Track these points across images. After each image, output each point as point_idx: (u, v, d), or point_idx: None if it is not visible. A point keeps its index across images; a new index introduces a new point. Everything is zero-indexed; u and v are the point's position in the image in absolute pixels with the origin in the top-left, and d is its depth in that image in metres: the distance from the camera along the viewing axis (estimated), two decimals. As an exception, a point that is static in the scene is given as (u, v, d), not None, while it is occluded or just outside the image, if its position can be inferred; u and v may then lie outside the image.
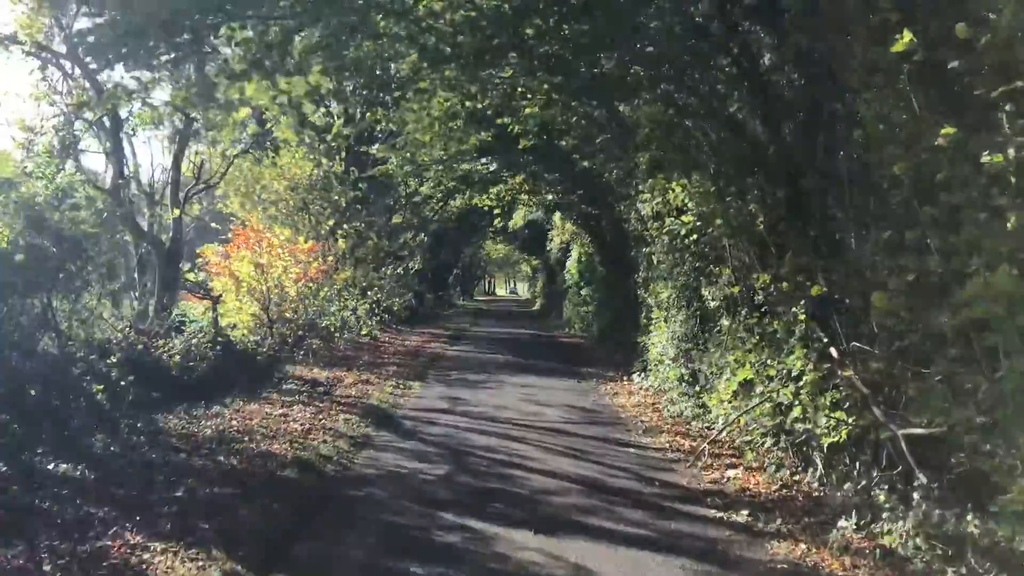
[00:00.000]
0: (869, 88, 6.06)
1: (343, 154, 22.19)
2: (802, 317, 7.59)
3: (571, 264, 31.99)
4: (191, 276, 16.03)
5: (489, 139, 19.15)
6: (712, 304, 10.71)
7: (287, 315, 17.67)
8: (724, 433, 9.12)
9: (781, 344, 8.38)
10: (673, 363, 12.85)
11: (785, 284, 7.81)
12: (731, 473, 7.67)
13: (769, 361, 8.45)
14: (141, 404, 9.41)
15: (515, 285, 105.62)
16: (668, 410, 11.03)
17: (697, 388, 11.87)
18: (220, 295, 14.11)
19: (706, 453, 8.15)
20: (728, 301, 10.20)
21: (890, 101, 5.75)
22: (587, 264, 28.08)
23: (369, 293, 22.65)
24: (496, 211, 32.27)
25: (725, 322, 10.26)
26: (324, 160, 19.68)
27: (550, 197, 28.45)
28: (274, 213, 19.89)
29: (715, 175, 9.90)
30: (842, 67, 6.98)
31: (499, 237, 53.95)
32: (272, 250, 16.59)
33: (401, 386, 13.09)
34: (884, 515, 5.80)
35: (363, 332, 21.03)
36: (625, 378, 14.93)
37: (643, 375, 14.40)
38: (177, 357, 11.18)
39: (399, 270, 31.00)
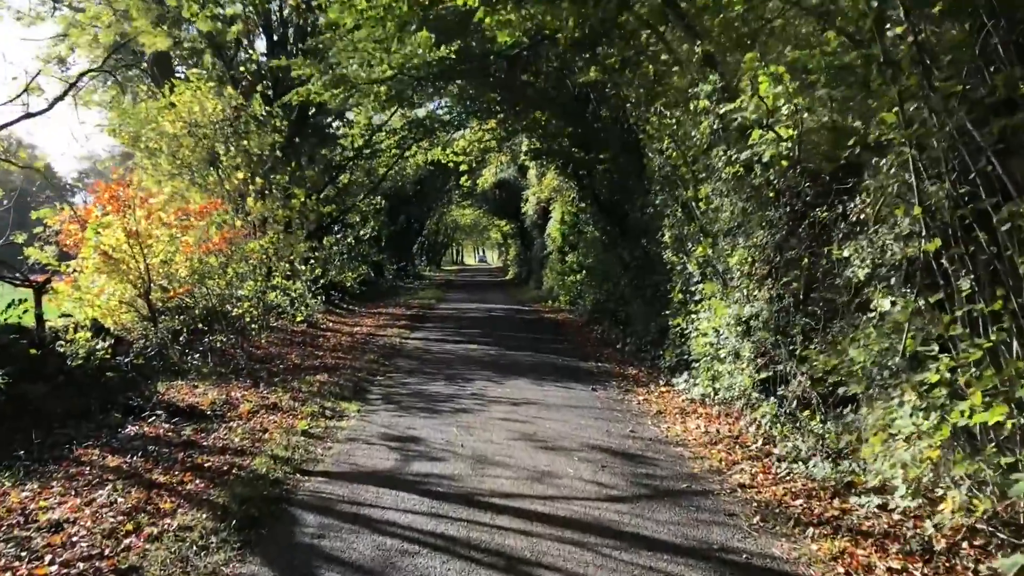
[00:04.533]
0: None
1: (265, 85, 17.16)
2: None
3: (552, 226, 27.40)
4: (34, 252, 11.06)
5: (451, 55, 14.36)
6: (858, 272, 6.08)
7: (188, 301, 12.93)
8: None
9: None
10: (744, 364, 8.34)
11: None
12: None
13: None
14: None
15: (484, 253, 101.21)
16: (777, 460, 6.44)
17: (799, 410, 7.39)
18: (46, 281, 9.25)
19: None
20: (901, 267, 5.62)
21: None
22: (573, 224, 23.50)
23: (304, 267, 17.78)
24: (463, 167, 27.61)
25: (886, 304, 5.68)
26: (229, 91, 14.61)
27: (526, 147, 23.81)
28: (168, 166, 14.91)
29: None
30: None
31: (467, 201, 49.24)
32: (152, 212, 11.71)
33: (326, 414, 8.38)
34: None
35: (297, 318, 16.22)
36: (661, 381, 10.38)
37: (688, 378, 9.87)
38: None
39: (349, 239, 26.19)
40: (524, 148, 23.86)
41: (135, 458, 6.25)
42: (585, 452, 6.79)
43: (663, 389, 9.88)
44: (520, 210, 37.45)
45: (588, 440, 7.23)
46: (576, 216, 22.92)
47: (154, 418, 7.80)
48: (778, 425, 7.25)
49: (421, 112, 25.31)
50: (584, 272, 21.79)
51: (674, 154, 9.96)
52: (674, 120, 9.95)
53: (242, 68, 16.97)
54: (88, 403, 7.94)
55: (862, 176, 6.86)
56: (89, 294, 10.66)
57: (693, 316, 10.11)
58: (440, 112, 24.58)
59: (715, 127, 8.19)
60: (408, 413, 8.46)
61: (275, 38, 20.03)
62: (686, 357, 10.38)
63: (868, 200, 6.61)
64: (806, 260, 7.60)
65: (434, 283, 40.47)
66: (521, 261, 45.12)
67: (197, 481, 5.72)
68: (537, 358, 12.82)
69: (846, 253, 6.14)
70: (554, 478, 5.99)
